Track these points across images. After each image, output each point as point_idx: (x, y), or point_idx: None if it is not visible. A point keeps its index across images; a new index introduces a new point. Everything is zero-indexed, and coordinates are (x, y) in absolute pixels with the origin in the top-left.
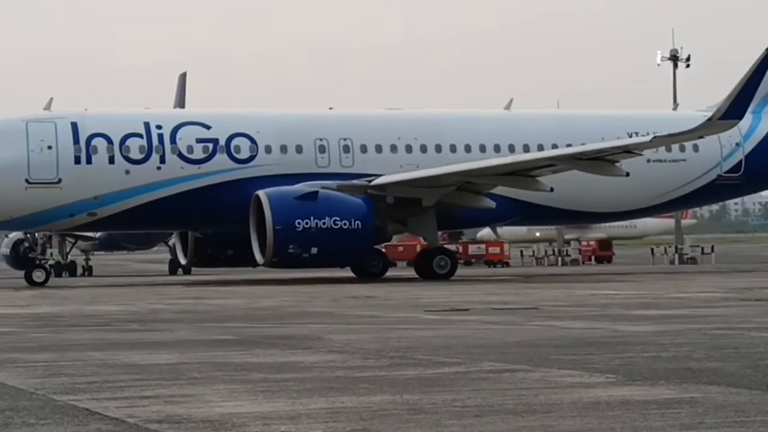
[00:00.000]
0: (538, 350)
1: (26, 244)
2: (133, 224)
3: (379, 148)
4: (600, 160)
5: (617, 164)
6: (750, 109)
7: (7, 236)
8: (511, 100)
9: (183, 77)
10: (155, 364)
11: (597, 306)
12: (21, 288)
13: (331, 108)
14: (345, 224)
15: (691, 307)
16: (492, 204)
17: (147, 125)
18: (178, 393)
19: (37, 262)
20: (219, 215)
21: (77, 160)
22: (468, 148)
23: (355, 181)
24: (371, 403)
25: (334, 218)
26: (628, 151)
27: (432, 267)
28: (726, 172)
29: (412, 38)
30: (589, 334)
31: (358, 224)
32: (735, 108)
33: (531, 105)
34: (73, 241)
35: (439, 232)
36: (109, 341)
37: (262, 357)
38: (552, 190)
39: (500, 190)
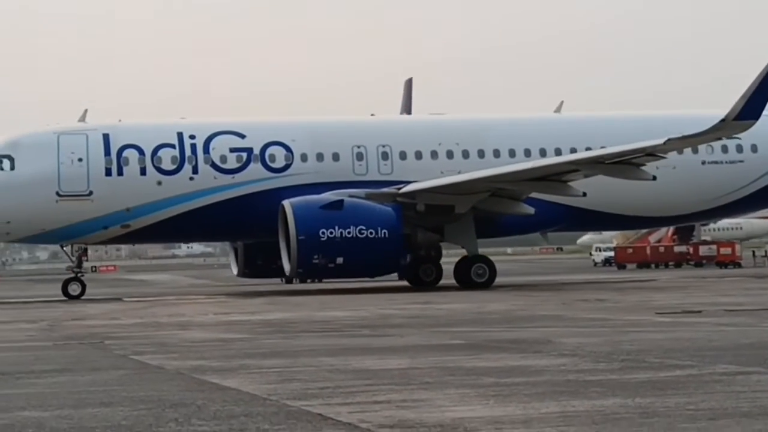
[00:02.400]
0: None
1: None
2: (167, 236)
3: (419, 155)
4: (625, 164)
5: (643, 167)
6: None
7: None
8: (562, 102)
9: (409, 83)
10: (386, 369)
11: None
12: (253, 295)
13: (372, 114)
14: (371, 233)
15: None
16: (530, 210)
17: (180, 135)
18: (410, 398)
19: (74, 275)
20: (254, 226)
21: (108, 172)
22: (512, 153)
23: (384, 189)
24: (603, 407)
25: (359, 227)
26: (652, 153)
27: (470, 275)
28: None
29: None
30: None
31: (384, 233)
32: (750, 108)
33: (587, 108)
34: None
35: (670, 233)
36: (340, 346)
37: (492, 361)
38: (585, 194)
39: (544, 195)
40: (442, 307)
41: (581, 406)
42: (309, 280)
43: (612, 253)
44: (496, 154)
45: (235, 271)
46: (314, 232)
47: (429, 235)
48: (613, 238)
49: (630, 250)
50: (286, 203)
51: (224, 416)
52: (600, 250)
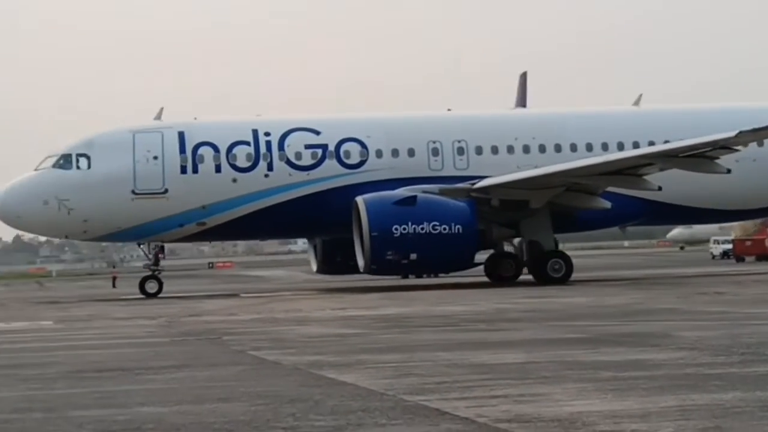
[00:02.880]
0: None
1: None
2: (243, 233)
3: (494, 149)
4: (698, 157)
5: (717, 161)
6: None
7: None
8: (640, 95)
9: (524, 77)
10: (503, 364)
11: None
12: (369, 290)
13: (449, 109)
14: (444, 229)
15: None
16: (607, 204)
17: (255, 132)
18: (527, 392)
19: (151, 272)
20: (329, 222)
21: (183, 170)
22: (589, 147)
23: (458, 185)
24: (723, 401)
25: (433, 223)
26: (725, 146)
27: (546, 270)
28: None
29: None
30: None
31: (458, 229)
32: None
33: (667, 101)
34: None
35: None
36: (456, 341)
37: (610, 355)
38: (660, 188)
39: (621, 189)
40: (559, 300)
41: (700, 400)
42: (411, 276)
43: (730, 246)
44: (573, 148)
45: (314, 267)
46: (387, 228)
47: (503, 231)
48: (731, 230)
49: (749, 243)
50: (360, 199)
51: (342, 411)
52: (718, 243)
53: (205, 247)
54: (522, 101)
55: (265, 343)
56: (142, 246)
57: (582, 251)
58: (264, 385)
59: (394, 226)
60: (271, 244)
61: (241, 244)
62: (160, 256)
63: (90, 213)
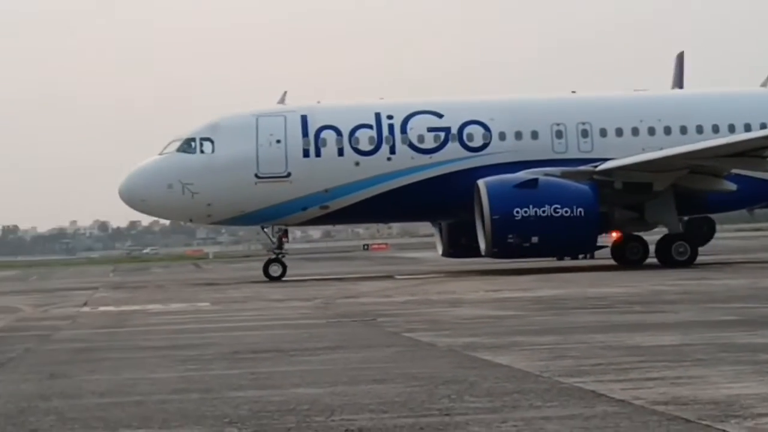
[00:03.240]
0: None
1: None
2: (365, 217)
3: (619, 132)
4: None
5: None
6: None
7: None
8: None
9: (680, 57)
10: (659, 346)
11: None
12: (523, 272)
13: (573, 92)
14: (566, 212)
15: None
16: (732, 186)
17: (378, 116)
18: (684, 375)
19: (274, 256)
20: (451, 206)
21: (306, 153)
22: (716, 129)
23: (580, 167)
24: None
25: (554, 206)
26: None
27: (671, 254)
28: None
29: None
30: None
31: (580, 212)
32: None
33: None
34: None
35: None
36: (612, 323)
37: None
38: None
39: (747, 171)
40: (716, 282)
41: None
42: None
43: None
44: (699, 130)
45: (440, 250)
46: (509, 212)
47: (626, 214)
48: None
49: None
50: (481, 182)
51: (497, 393)
52: None
53: (360, 229)
54: (679, 82)
55: (419, 325)
56: (265, 230)
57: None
58: (419, 366)
59: (516, 209)
60: (426, 226)
61: (396, 226)
62: (283, 239)
63: (214, 197)
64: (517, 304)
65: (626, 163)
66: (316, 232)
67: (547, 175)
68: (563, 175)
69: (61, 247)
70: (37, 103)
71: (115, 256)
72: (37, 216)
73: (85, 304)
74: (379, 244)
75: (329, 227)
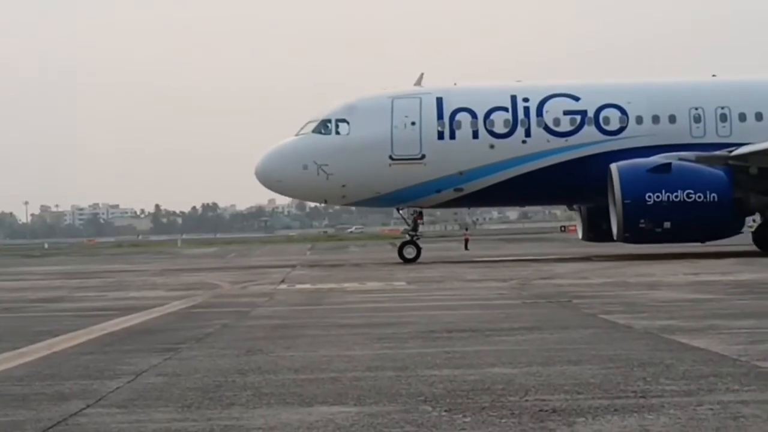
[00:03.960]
0: None
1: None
2: (499, 200)
3: (759, 116)
4: None
5: None
6: None
7: None
8: None
9: None
10: None
11: None
12: (722, 256)
13: (714, 75)
14: (699, 197)
15: None
16: None
17: (513, 98)
18: None
19: (409, 238)
20: (587, 189)
21: (440, 136)
22: None
23: (715, 152)
24: None
25: (687, 191)
26: None
27: None
28: None
29: None
30: None
31: (713, 197)
32: None
33: None
34: None
35: None
36: None
37: None
38: None
39: None
40: None
41: None
42: None
43: None
44: None
45: (580, 234)
46: (641, 196)
47: (763, 199)
48: None
49: None
50: (614, 166)
51: (693, 376)
52: None
53: (558, 210)
54: None
55: (616, 307)
56: (401, 211)
57: None
58: (615, 348)
59: (648, 194)
60: None
61: None
62: (419, 221)
63: (348, 178)
64: (716, 287)
65: (762, 147)
66: (512, 213)
67: (681, 159)
68: (698, 160)
69: (259, 225)
70: (234, 89)
71: (312, 234)
72: (236, 194)
73: (282, 282)
74: (575, 225)
75: (526, 208)
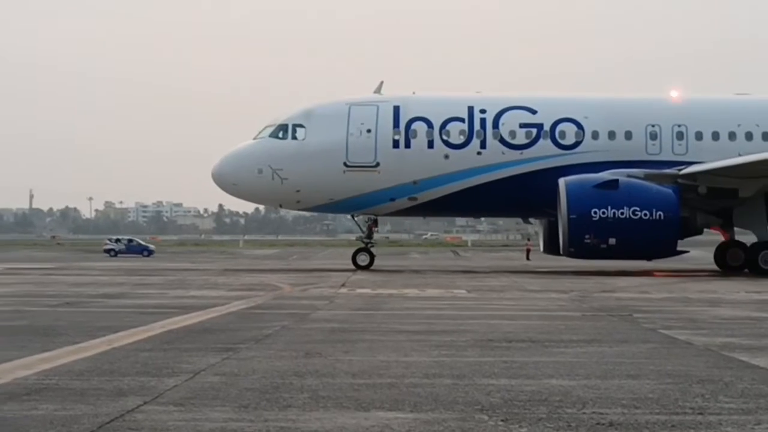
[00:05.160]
0: None
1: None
2: (453, 210)
3: (715, 135)
4: None
5: None
6: None
7: None
8: None
9: None
10: None
11: None
12: None
13: (674, 93)
14: (645, 214)
15: None
16: None
17: (471, 109)
18: None
19: (363, 245)
20: (539, 203)
21: (395, 144)
22: None
23: (664, 170)
24: None
25: (633, 208)
26: None
27: (758, 262)
28: None
29: None
30: None
31: (660, 215)
32: None
33: None
34: None
35: None
36: None
37: None
38: None
39: None
40: None
41: None
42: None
43: None
44: None
45: (541, 247)
46: (586, 212)
47: (709, 219)
48: None
49: None
50: (562, 181)
51: (752, 395)
52: None
53: None
54: None
55: (676, 323)
56: (356, 219)
57: None
58: (673, 364)
59: (593, 210)
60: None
61: None
62: (373, 229)
63: (303, 183)
64: None
65: (711, 167)
66: None
67: (630, 176)
68: (647, 177)
69: (321, 228)
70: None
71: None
72: None
73: (343, 285)
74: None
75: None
